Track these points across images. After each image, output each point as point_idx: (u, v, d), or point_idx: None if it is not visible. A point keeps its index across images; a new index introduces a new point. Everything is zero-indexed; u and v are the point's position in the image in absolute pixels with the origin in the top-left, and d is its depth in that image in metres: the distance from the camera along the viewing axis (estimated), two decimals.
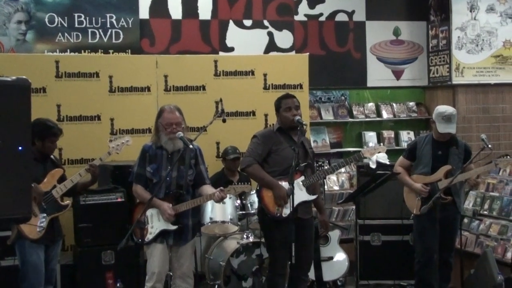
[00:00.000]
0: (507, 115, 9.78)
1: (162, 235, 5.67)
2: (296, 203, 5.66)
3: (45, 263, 5.82)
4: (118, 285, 6.67)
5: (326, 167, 6.32)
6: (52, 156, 6.07)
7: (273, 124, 6.20)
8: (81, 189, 6.16)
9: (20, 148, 4.28)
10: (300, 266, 5.87)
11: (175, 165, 5.64)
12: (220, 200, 5.69)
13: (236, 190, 5.80)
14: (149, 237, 5.62)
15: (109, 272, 6.78)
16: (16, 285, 5.79)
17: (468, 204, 8.09)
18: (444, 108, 6.63)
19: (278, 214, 5.80)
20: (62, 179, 5.95)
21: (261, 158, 5.89)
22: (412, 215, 6.74)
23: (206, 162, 6.07)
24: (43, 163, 5.89)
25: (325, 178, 6.41)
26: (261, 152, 5.89)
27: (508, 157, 6.65)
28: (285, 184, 5.78)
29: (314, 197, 5.98)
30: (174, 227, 5.65)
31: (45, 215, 5.74)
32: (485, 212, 8.00)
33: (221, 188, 5.64)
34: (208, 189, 5.76)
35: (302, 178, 5.81)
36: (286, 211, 5.80)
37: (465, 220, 7.83)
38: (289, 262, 5.90)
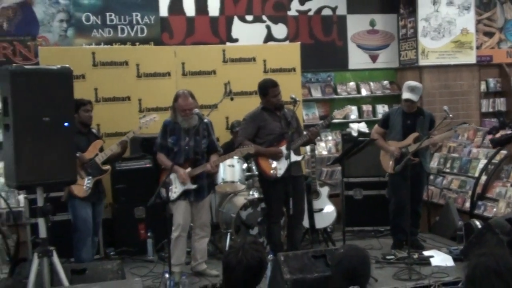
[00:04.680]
0: (464, 90, 9.78)
1: (185, 194, 5.72)
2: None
3: (92, 218, 5.87)
4: (148, 234, 6.71)
5: (305, 132, 6.27)
6: (93, 130, 6.12)
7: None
8: (113, 158, 6.18)
9: (65, 124, 4.32)
10: (294, 216, 5.94)
11: (192, 136, 5.69)
12: (211, 170, 5.79)
13: (242, 152, 5.84)
14: (173, 195, 5.67)
15: (141, 224, 6.83)
16: (68, 236, 5.85)
17: (434, 163, 8.11)
18: (410, 81, 6.72)
19: (275, 176, 5.88)
20: (101, 148, 5.99)
21: (250, 136, 6.00)
22: (387, 173, 6.77)
23: (217, 133, 6.13)
24: (86, 135, 5.93)
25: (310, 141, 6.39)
26: (250, 131, 6.02)
27: (466, 124, 6.66)
28: (283, 148, 5.86)
29: (301, 157, 6.14)
30: (194, 186, 5.71)
31: (90, 177, 5.80)
32: (448, 170, 8.02)
33: (211, 163, 5.75)
34: (213, 157, 5.83)
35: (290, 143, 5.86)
36: (280, 172, 5.88)
37: (431, 177, 7.86)
38: (287, 214, 6.01)
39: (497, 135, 5.54)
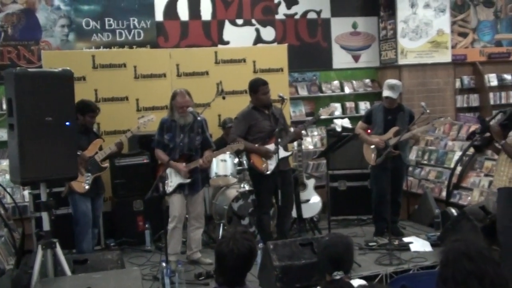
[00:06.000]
0: (440, 87, 9.79)
1: (180, 187, 5.71)
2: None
3: (91, 211, 5.85)
4: (146, 226, 6.70)
5: (292, 129, 6.30)
6: (94, 129, 6.10)
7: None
8: (111, 156, 6.16)
9: (67, 123, 4.30)
10: (283, 207, 5.96)
11: (186, 133, 5.67)
12: (203, 165, 5.76)
13: (232, 148, 5.84)
14: (169, 189, 5.66)
15: (139, 217, 6.82)
16: (69, 229, 5.83)
17: (412, 156, 8.14)
18: (390, 80, 6.72)
19: (265, 171, 5.89)
20: (101, 147, 5.98)
21: (242, 134, 5.97)
22: (370, 165, 6.78)
23: (210, 130, 6.10)
24: (87, 135, 5.92)
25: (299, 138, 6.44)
26: (242, 129, 5.99)
27: (442, 118, 6.67)
28: (271, 146, 5.86)
29: (289, 153, 6.15)
30: (188, 180, 5.70)
31: (89, 174, 5.78)
32: (425, 162, 8.06)
33: (204, 158, 5.73)
34: (207, 153, 5.82)
35: (279, 140, 5.84)
36: (271, 167, 5.88)
37: (410, 168, 7.88)
38: (277, 205, 6.01)
39: (477, 141, 5.54)
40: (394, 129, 6.47)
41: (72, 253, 5.78)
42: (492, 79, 10.35)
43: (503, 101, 10.28)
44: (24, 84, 4.12)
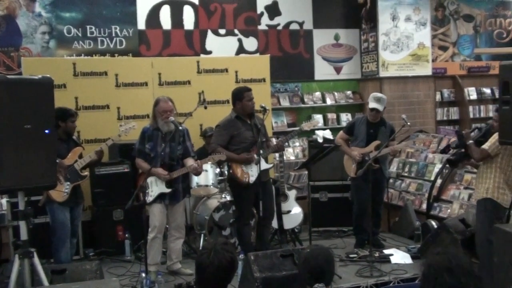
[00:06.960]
0: (421, 100, 9.88)
1: (160, 197, 5.66)
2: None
3: (70, 221, 5.77)
4: (126, 235, 6.63)
5: (275, 142, 6.33)
6: (74, 137, 6.03)
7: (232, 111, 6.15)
8: (91, 164, 6.10)
9: (47, 131, 4.24)
10: (264, 217, 5.94)
11: (167, 143, 5.63)
12: (194, 171, 5.70)
13: (214, 159, 5.81)
14: (150, 199, 5.61)
15: (119, 226, 6.76)
16: (47, 238, 5.74)
17: (393, 168, 8.18)
18: (376, 93, 6.81)
19: (247, 183, 5.87)
20: (81, 155, 5.91)
21: (224, 143, 5.95)
22: (349, 177, 6.80)
23: (192, 139, 6.06)
24: (67, 142, 5.86)
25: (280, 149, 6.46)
26: (224, 138, 5.97)
27: (422, 132, 6.72)
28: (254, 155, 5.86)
29: (270, 165, 6.15)
30: (169, 190, 5.66)
31: (68, 183, 5.71)
32: (406, 174, 8.09)
33: (197, 163, 5.67)
34: (189, 161, 5.77)
35: (261, 151, 5.84)
36: (252, 179, 5.87)
37: (391, 180, 7.91)
38: (258, 215, 5.99)
39: (452, 155, 5.64)
40: (375, 143, 6.51)
41: (50, 262, 5.70)
42: (471, 93, 10.48)
43: (482, 115, 10.42)
44: (2, 91, 4.06)
